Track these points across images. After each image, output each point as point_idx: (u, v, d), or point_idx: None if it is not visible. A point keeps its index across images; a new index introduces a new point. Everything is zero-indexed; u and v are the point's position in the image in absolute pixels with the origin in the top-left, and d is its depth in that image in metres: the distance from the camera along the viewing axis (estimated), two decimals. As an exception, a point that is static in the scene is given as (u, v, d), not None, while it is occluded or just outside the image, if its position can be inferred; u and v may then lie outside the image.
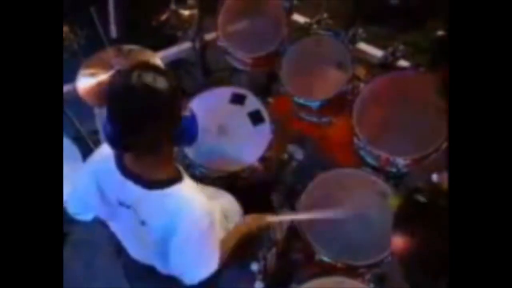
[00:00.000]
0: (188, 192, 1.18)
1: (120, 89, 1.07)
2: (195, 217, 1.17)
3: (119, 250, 2.05)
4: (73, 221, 1.99)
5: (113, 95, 1.08)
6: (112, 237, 2.01)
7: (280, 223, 1.59)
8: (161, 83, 1.05)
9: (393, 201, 1.61)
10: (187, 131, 1.17)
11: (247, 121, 1.85)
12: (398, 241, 1.03)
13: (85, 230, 2.12)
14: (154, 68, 1.10)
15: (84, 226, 2.05)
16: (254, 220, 1.49)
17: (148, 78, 1.05)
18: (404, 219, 1.07)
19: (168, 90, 1.06)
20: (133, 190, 1.17)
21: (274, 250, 1.61)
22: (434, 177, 1.56)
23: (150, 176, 1.16)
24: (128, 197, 1.19)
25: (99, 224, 2.00)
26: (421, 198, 1.13)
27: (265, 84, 2.28)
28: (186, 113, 1.15)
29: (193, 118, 1.17)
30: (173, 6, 1.90)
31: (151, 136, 1.09)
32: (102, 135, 1.40)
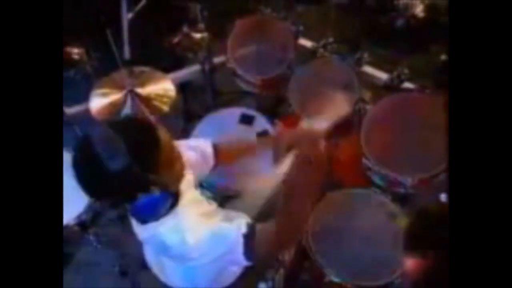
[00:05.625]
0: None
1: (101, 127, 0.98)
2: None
3: (125, 271, 2.04)
4: (77, 242, 1.99)
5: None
6: (117, 258, 2.01)
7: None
8: (124, 155, 0.93)
9: (402, 222, 1.61)
10: (142, 210, 1.09)
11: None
12: (410, 262, 1.02)
13: (89, 251, 2.12)
14: (143, 136, 0.98)
15: (88, 246, 2.05)
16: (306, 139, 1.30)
17: (120, 142, 0.93)
18: (414, 239, 1.06)
19: (128, 165, 0.94)
20: None
21: (282, 271, 1.60)
22: (443, 197, 1.56)
23: None
24: None
25: (103, 245, 2.00)
26: (430, 218, 1.13)
27: (273, 106, 2.32)
28: (153, 192, 1.00)
29: (155, 199, 1.04)
30: (185, 29, 1.97)
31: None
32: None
